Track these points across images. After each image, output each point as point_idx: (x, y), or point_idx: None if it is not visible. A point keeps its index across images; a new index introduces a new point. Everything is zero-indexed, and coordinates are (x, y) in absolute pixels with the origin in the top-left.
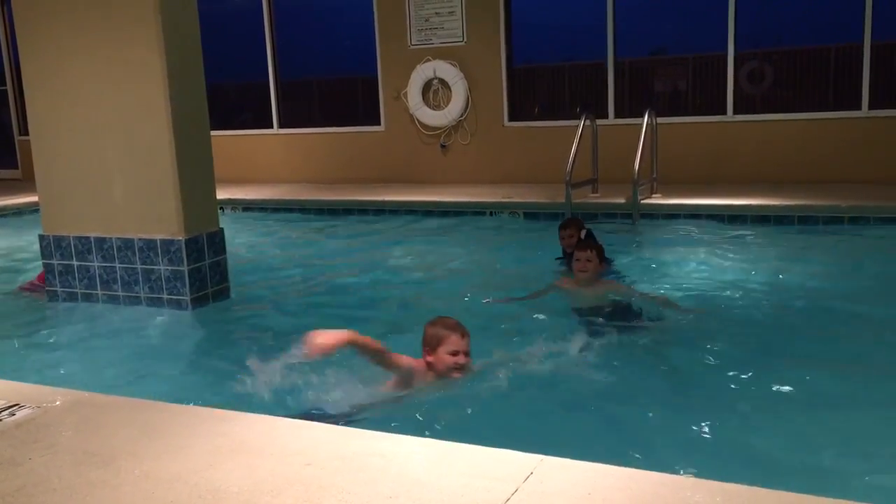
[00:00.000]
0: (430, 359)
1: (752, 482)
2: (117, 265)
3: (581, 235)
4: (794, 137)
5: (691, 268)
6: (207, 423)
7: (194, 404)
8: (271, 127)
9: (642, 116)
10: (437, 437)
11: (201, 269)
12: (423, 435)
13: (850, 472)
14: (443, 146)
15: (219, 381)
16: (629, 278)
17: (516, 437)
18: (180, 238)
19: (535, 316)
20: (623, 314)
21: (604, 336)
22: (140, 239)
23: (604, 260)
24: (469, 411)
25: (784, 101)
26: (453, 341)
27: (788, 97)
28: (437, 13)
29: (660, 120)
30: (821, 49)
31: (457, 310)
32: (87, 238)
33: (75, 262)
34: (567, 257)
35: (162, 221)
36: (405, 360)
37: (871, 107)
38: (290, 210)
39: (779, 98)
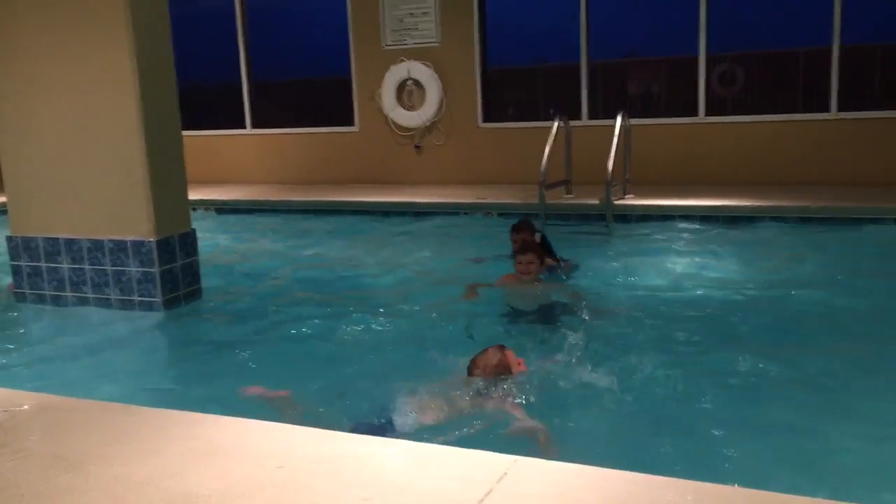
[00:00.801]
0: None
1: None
2: (87, 267)
3: (536, 239)
4: (765, 139)
5: (663, 268)
6: (179, 426)
7: (166, 407)
8: (244, 127)
9: (615, 118)
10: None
11: (173, 271)
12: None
13: (802, 462)
14: (417, 147)
15: (191, 384)
16: (587, 281)
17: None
18: (151, 239)
19: (477, 310)
20: (555, 314)
21: (534, 335)
22: (110, 240)
23: (557, 261)
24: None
25: (755, 103)
26: (510, 354)
27: (759, 99)
28: (411, 14)
29: (632, 121)
30: (790, 52)
31: (409, 309)
32: (56, 239)
33: (44, 264)
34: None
35: (132, 222)
36: None
37: (839, 109)
38: (264, 211)
39: (750, 100)
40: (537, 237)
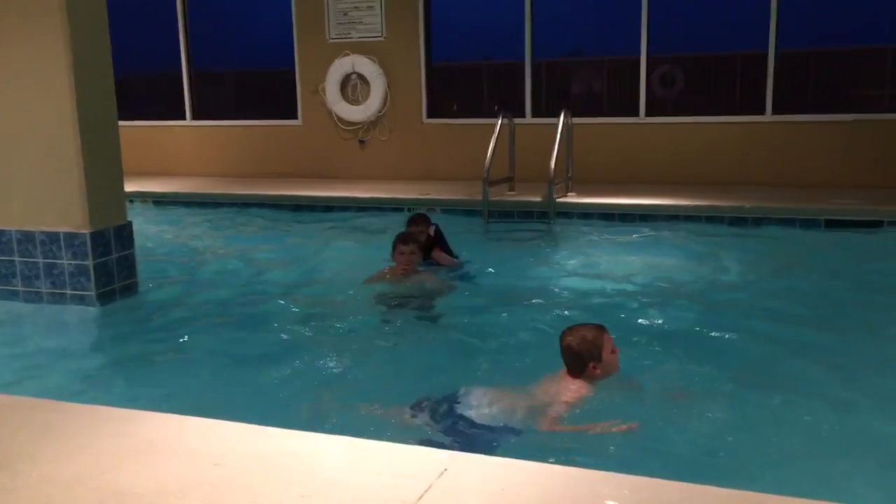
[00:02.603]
0: (598, 369)
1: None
2: (17, 259)
3: (431, 232)
4: (703, 140)
5: (601, 265)
6: (111, 423)
7: (98, 404)
8: (184, 118)
9: (558, 116)
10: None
11: (108, 264)
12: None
13: (734, 460)
14: (361, 142)
15: (125, 380)
16: (523, 276)
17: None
18: (85, 231)
19: (358, 300)
20: (432, 302)
21: (412, 321)
22: (41, 232)
23: (451, 255)
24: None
25: (694, 104)
26: (608, 339)
27: (698, 101)
28: (356, 7)
29: (575, 120)
30: (729, 56)
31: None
32: None
33: None
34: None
35: (65, 214)
36: None
37: (774, 112)
38: (204, 204)
39: (689, 101)
40: (431, 230)
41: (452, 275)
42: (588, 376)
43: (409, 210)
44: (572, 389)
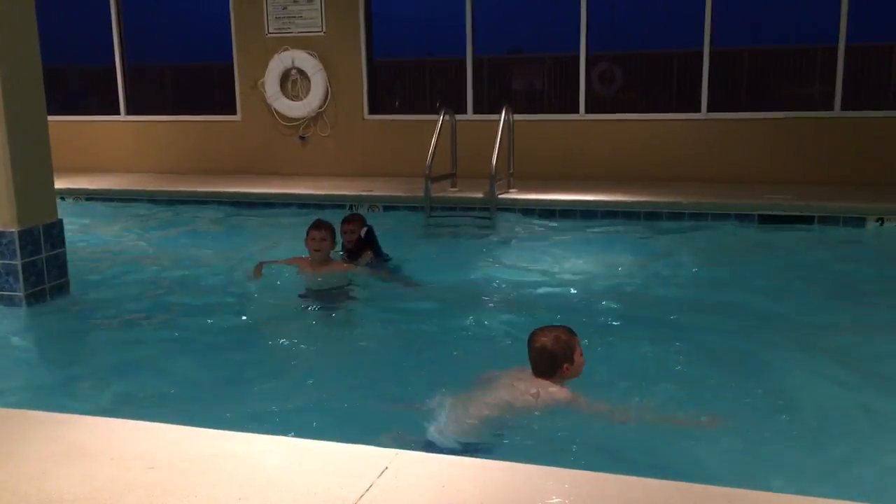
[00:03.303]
0: (570, 370)
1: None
2: None
3: (362, 234)
4: (641, 137)
5: (542, 261)
6: (40, 427)
7: (26, 408)
8: (118, 113)
9: (499, 113)
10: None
11: (37, 263)
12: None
13: (676, 448)
14: (302, 138)
15: (55, 383)
16: (461, 270)
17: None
18: (13, 229)
19: (270, 287)
20: (345, 291)
21: (326, 311)
22: None
23: (378, 255)
24: None
25: (632, 101)
26: (578, 341)
27: (636, 98)
28: (295, 1)
29: (516, 117)
30: (665, 54)
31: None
32: None
33: None
34: (346, 250)
35: None
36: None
37: (709, 109)
38: (138, 201)
39: (627, 99)
40: (363, 231)
41: (381, 269)
42: (559, 377)
43: (350, 207)
44: (561, 393)
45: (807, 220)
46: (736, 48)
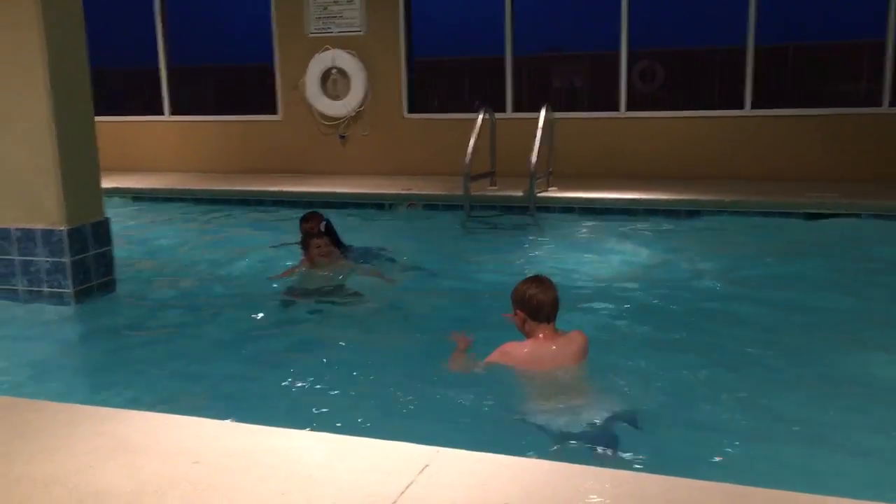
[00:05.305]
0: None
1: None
2: None
3: (321, 228)
4: (682, 134)
5: (582, 259)
6: (88, 422)
7: (75, 402)
8: (162, 114)
9: (539, 111)
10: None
11: (85, 261)
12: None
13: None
14: (341, 137)
15: (102, 379)
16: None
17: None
18: (62, 228)
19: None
20: (346, 289)
21: (329, 309)
22: (18, 229)
23: (340, 246)
24: None
25: (673, 99)
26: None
27: (677, 95)
28: (335, 1)
29: (556, 115)
30: (708, 50)
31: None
32: None
33: None
34: (305, 245)
35: (42, 210)
36: None
37: (753, 106)
38: (183, 200)
39: (668, 96)
40: (322, 226)
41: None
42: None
43: (389, 206)
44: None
45: (853, 217)
46: (781, 44)
